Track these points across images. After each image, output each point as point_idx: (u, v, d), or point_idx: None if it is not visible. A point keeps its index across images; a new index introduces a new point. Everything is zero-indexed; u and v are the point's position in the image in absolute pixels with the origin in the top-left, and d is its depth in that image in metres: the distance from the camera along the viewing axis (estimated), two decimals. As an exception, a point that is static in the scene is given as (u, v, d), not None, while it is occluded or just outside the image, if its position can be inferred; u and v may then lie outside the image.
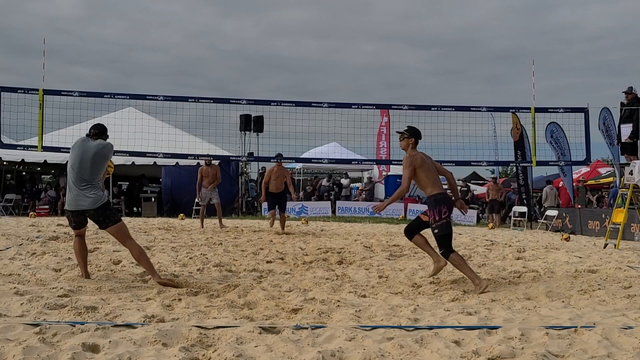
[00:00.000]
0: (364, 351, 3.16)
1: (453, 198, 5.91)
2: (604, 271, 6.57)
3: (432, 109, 9.92)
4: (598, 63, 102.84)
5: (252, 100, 10.40)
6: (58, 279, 5.47)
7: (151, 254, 7.60)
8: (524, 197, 18.00)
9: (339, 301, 4.72)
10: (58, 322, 3.66)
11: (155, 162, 18.66)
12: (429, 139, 10.15)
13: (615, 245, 9.65)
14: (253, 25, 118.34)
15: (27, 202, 20.20)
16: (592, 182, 21.95)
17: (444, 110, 9.96)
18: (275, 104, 10.11)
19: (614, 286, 5.53)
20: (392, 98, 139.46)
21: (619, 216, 9.87)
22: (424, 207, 6.41)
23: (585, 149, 9.91)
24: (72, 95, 9.65)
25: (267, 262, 7.15)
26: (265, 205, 16.42)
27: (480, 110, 10.14)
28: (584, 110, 9.84)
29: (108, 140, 5.59)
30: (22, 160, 19.88)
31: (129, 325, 3.62)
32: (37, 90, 9.45)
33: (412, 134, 5.80)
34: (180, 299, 4.54)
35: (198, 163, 16.84)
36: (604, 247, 9.80)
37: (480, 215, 20.79)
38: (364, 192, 23.52)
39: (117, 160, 17.95)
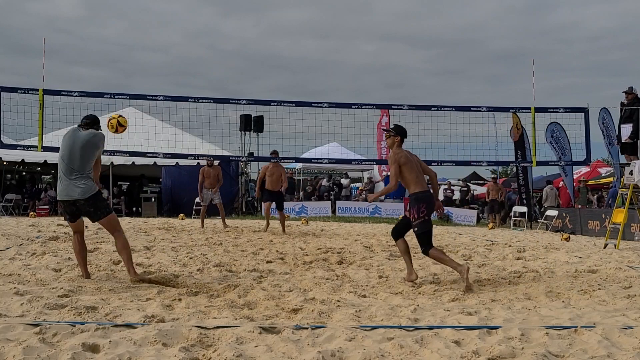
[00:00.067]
0: (364, 351, 3.16)
1: None
2: (604, 271, 6.57)
3: (432, 109, 9.94)
4: (598, 63, 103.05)
5: (252, 100, 10.42)
6: (58, 279, 5.47)
7: (151, 254, 7.61)
8: (524, 197, 17.99)
9: (339, 301, 4.72)
10: (58, 322, 3.66)
11: (155, 162, 18.66)
12: (429, 139, 10.19)
13: (615, 245, 9.64)
14: (253, 25, 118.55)
15: (27, 202, 20.22)
16: (592, 182, 21.94)
17: (444, 110, 9.98)
18: (275, 104, 10.12)
19: (614, 286, 5.54)
20: (392, 98, 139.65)
21: (619, 216, 9.87)
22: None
23: (585, 149, 9.92)
24: (72, 96, 9.67)
25: (267, 262, 7.15)
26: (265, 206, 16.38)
27: (480, 110, 10.14)
28: (584, 110, 9.86)
29: (100, 131, 5.56)
30: (22, 160, 19.89)
31: (129, 325, 3.62)
32: (37, 90, 9.47)
33: (398, 132, 5.96)
34: (180, 299, 4.54)
35: (198, 163, 16.84)
36: (604, 247, 9.80)
37: (480, 215, 20.79)
38: (364, 192, 23.52)
39: (117, 160, 18.01)
